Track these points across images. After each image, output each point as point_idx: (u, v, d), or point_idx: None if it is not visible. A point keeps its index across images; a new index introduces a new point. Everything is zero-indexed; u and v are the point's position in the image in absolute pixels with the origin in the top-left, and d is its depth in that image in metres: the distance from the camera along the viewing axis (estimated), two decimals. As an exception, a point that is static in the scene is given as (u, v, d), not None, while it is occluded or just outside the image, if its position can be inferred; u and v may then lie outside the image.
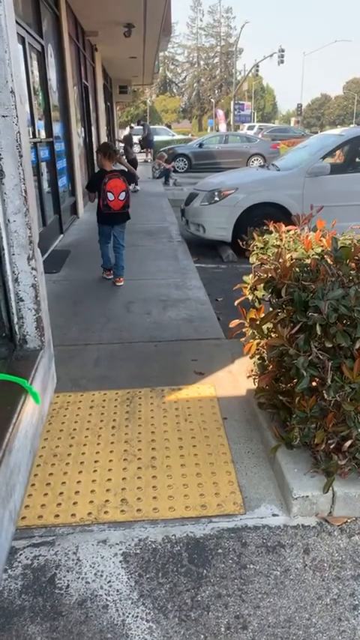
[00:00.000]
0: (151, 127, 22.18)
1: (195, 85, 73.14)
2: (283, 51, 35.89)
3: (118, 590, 1.76)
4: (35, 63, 6.27)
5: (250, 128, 32.46)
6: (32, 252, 1.49)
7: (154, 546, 1.94)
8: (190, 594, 1.75)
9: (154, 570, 1.84)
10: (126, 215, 5.07)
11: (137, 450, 2.48)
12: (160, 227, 8.08)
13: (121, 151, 12.61)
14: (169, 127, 31.66)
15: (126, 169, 5.35)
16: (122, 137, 15.78)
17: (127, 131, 16.09)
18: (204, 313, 4.29)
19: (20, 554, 1.90)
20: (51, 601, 1.73)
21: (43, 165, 6.50)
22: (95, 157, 6.14)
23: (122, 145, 13.84)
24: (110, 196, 4.81)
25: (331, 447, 2.10)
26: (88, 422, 2.71)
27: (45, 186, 6.56)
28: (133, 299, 4.66)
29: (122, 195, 4.86)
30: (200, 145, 19.68)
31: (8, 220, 1.44)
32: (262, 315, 2.46)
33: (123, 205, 4.91)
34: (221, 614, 1.68)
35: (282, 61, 35.98)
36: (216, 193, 6.75)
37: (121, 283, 5.10)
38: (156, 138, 22.03)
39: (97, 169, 5.33)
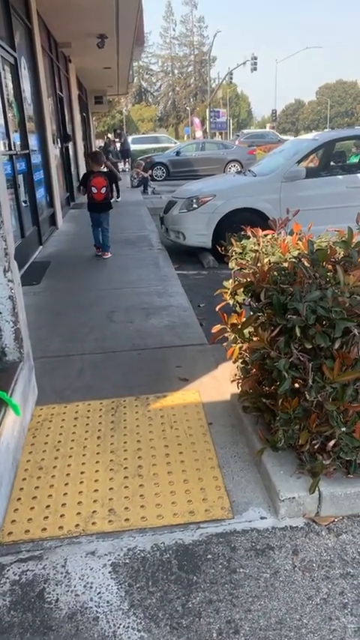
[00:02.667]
0: (155, 135, 22.22)
1: (170, 93, 73.67)
2: (255, 58, 36.39)
3: (108, 602, 1.75)
4: (9, 75, 6.26)
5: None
6: (8, 264, 1.49)
7: (143, 555, 1.93)
8: (180, 601, 1.75)
9: (144, 579, 1.83)
10: (108, 205, 6.64)
11: (123, 459, 2.47)
12: (140, 235, 8.10)
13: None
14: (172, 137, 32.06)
15: (109, 170, 7.00)
16: (97, 148, 15.82)
17: (103, 142, 16.11)
18: (186, 320, 4.31)
19: (8, 570, 1.88)
20: (40, 616, 1.71)
21: (20, 177, 6.48)
22: (85, 162, 8.02)
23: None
24: (94, 190, 6.50)
25: (316, 447, 2.13)
26: (73, 433, 2.69)
27: (23, 198, 6.53)
28: (115, 308, 4.66)
29: (103, 190, 6.49)
30: (177, 153, 19.82)
31: (-17, 233, 1.44)
32: (243, 319, 2.48)
33: (104, 197, 6.54)
34: (213, 620, 1.68)
35: (255, 69, 36.46)
36: (194, 200, 6.80)
37: (108, 256, 6.64)
38: (160, 145, 22.24)
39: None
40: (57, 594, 1.78)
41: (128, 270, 6.04)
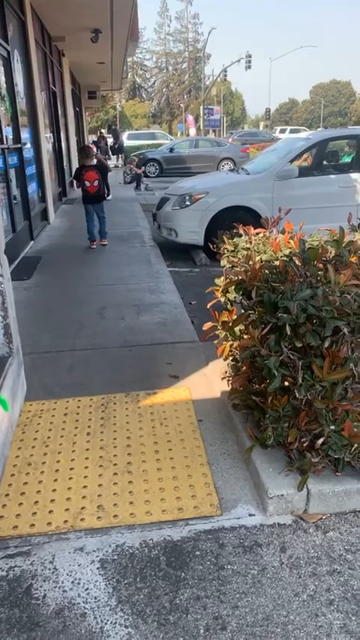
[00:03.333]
0: (152, 131, 22.12)
1: (164, 90, 73.45)
2: (250, 56, 36.39)
3: (95, 598, 1.75)
4: (1, 68, 6.21)
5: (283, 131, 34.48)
6: (-1, 259, 1.48)
7: (131, 551, 1.93)
8: (168, 598, 1.75)
9: (132, 575, 1.83)
10: (101, 197, 7.06)
11: (113, 455, 2.47)
12: (132, 232, 8.08)
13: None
14: (167, 132, 32.07)
15: (107, 164, 7.58)
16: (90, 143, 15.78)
17: (96, 137, 16.07)
18: (178, 317, 4.31)
19: (-5, 566, 1.87)
20: (27, 612, 1.70)
21: (12, 171, 6.43)
22: (78, 157, 8.43)
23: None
24: (87, 183, 6.88)
25: (305, 445, 2.14)
26: (63, 429, 2.69)
27: (14, 192, 6.48)
28: (106, 304, 4.64)
29: (96, 182, 6.88)
30: (171, 150, 19.76)
31: (-27, 228, 1.42)
32: (234, 317, 2.48)
33: (97, 189, 6.94)
34: (200, 616, 1.69)
35: (249, 67, 36.45)
36: (187, 197, 6.79)
37: (106, 243, 7.09)
38: (156, 142, 22.19)
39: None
40: (44, 590, 1.78)
41: (120, 266, 6.02)
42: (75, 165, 14.60)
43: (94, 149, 7.92)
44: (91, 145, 9.65)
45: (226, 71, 40.12)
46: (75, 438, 2.61)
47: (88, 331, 4.02)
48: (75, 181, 7.40)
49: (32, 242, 7.30)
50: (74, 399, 2.98)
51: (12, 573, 1.85)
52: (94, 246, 6.98)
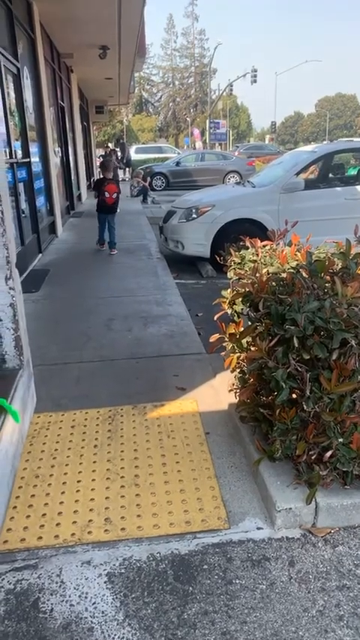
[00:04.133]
0: (159, 145, 22.43)
1: (170, 104, 74.27)
2: (255, 71, 36.78)
3: (103, 612, 1.74)
4: (11, 85, 6.31)
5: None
6: (10, 272, 1.50)
7: (138, 565, 1.92)
8: (176, 612, 1.74)
9: (140, 589, 1.82)
10: (115, 208, 7.75)
11: (120, 468, 2.47)
12: (139, 244, 8.13)
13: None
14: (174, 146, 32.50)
15: (118, 178, 8.69)
16: (99, 157, 16.02)
17: (103, 151, 16.27)
18: (185, 329, 4.31)
19: (3, 579, 1.87)
20: (35, 626, 1.69)
21: (21, 185, 6.51)
22: (98, 170, 9.51)
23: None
24: (107, 194, 7.57)
25: (313, 457, 2.13)
26: (70, 442, 2.69)
27: (23, 206, 6.55)
28: (113, 316, 4.66)
29: (114, 195, 7.65)
30: (177, 164, 19.94)
31: (-16, 241, 1.45)
32: (241, 329, 2.49)
33: (114, 201, 7.68)
34: (208, 632, 1.67)
35: (255, 81, 36.82)
36: (194, 210, 6.84)
37: (115, 252, 7.52)
38: (163, 155, 22.50)
39: (98, 177, 8.49)
40: (52, 604, 1.77)
41: (127, 278, 6.05)
42: (83, 179, 14.75)
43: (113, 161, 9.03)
44: (112, 160, 10.36)
45: (231, 85, 40.52)
46: (82, 451, 2.61)
47: (95, 343, 4.03)
48: (95, 191, 7.97)
49: (40, 255, 7.36)
50: (81, 411, 2.99)
51: (19, 587, 1.84)
52: (104, 248, 7.77)
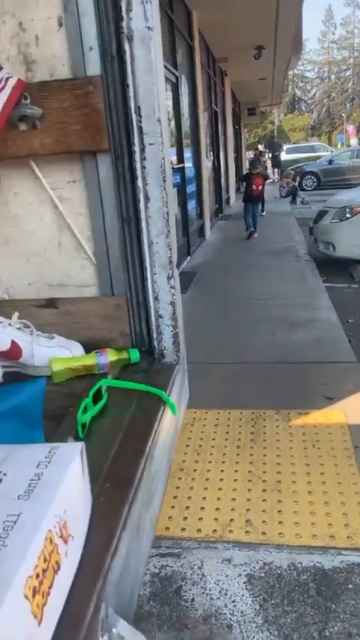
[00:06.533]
0: (311, 144, 22.14)
1: (325, 100, 71.52)
2: None
3: (242, 612, 1.75)
4: (170, 94, 6.65)
5: None
6: (172, 271, 1.59)
7: (279, 572, 1.90)
8: (317, 627, 1.68)
9: (280, 597, 1.80)
10: (260, 198, 9.34)
11: (262, 472, 2.46)
12: (287, 246, 8.01)
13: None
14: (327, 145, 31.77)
15: (265, 173, 10.02)
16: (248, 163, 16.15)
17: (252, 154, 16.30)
18: (334, 335, 4.14)
19: (149, 562, 1.99)
20: (177, 612, 1.77)
21: (174, 190, 6.83)
22: (247, 165, 10.96)
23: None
24: (254, 186, 8.81)
25: None
26: (213, 439, 2.75)
27: (175, 210, 6.87)
28: (259, 319, 4.66)
29: (260, 187, 8.93)
30: (330, 162, 19.16)
31: (151, 242, 1.55)
32: None
33: (260, 192, 9.06)
34: (351, 655, 1.59)
35: None
36: (347, 210, 6.53)
37: (256, 236, 8.81)
38: (316, 154, 22.07)
39: (245, 172, 10.18)
40: (193, 594, 1.84)
41: (273, 281, 6.00)
42: (232, 182, 14.97)
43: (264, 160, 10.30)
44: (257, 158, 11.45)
45: (394, 75, 37.66)
46: (225, 450, 2.66)
47: (239, 344, 4.07)
48: (242, 183, 9.97)
49: (189, 258, 7.64)
50: (225, 410, 3.04)
51: (164, 572, 1.94)
52: (256, 235, 8.83)
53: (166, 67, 6.14)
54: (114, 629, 0.77)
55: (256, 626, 1.70)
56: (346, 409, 2.94)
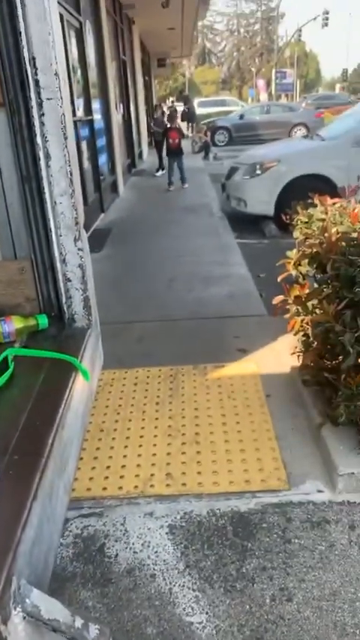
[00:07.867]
0: (222, 98, 21.75)
1: (235, 54, 70.94)
2: (327, 13, 34.20)
3: (164, 561, 1.82)
4: (74, 40, 6.25)
5: None
6: (78, 233, 1.52)
7: (199, 519, 1.98)
8: (235, 566, 1.79)
9: (200, 542, 1.88)
10: (180, 151, 9.20)
11: (181, 425, 2.52)
12: (200, 203, 8.02)
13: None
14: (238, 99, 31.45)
15: (179, 127, 9.82)
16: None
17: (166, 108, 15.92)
18: (246, 290, 4.26)
19: (71, 524, 1.99)
20: (101, 569, 1.80)
21: (83, 143, 6.53)
22: (166, 118, 10.64)
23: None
24: (170, 141, 9.11)
25: (378, 424, 2.07)
26: (133, 398, 2.77)
27: (85, 164, 6.59)
28: (174, 276, 4.67)
29: (177, 140, 9.07)
30: (241, 117, 19.21)
31: (55, 202, 1.47)
32: (307, 291, 2.41)
33: (178, 145, 9.09)
34: (266, 586, 1.71)
35: (326, 24, 34.33)
36: (258, 166, 6.60)
37: (186, 186, 9.27)
38: (227, 109, 21.75)
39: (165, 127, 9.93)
40: (116, 550, 1.87)
41: (187, 238, 6.01)
42: (144, 136, 14.58)
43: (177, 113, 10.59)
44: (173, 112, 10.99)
45: (300, 31, 38.06)
46: (144, 407, 2.68)
47: (156, 302, 4.07)
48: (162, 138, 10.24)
49: (102, 214, 7.43)
50: (144, 369, 3.05)
51: (86, 532, 1.95)
52: (172, 189, 9.14)
53: (68, 11, 5.73)
54: (27, 600, 0.75)
55: (178, 572, 1.77)
56: (259, 360, 3.07)
